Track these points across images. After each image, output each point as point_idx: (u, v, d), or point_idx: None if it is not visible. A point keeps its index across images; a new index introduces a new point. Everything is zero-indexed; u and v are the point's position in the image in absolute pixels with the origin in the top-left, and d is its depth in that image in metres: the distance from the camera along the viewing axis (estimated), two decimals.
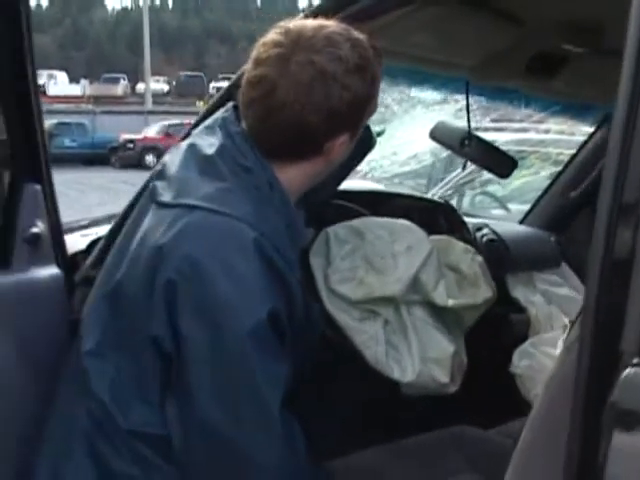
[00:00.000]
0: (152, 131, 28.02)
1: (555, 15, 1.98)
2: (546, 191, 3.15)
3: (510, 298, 2.53)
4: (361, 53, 1.43)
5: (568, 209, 3.09)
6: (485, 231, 2.66)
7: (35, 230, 1.79)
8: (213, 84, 44.82)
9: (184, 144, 1.54)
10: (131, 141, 26.45)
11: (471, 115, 2.52)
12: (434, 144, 2.62)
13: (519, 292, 2.62)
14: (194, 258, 1.36)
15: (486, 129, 2.85)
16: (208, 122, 1.56)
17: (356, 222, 1.96)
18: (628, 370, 0.97)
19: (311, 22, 1.46)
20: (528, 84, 2.35)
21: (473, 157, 2.46)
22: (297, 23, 1.45)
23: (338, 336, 1.89)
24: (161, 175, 1.51)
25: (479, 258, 2.19)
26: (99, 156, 25.96)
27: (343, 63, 1.40)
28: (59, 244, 1.88)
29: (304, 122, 1.41)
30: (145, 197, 1.54)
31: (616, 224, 1.04)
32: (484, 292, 2.13)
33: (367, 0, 1.66)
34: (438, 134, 2.51)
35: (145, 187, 1.61)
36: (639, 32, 1.15)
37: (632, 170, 1.06)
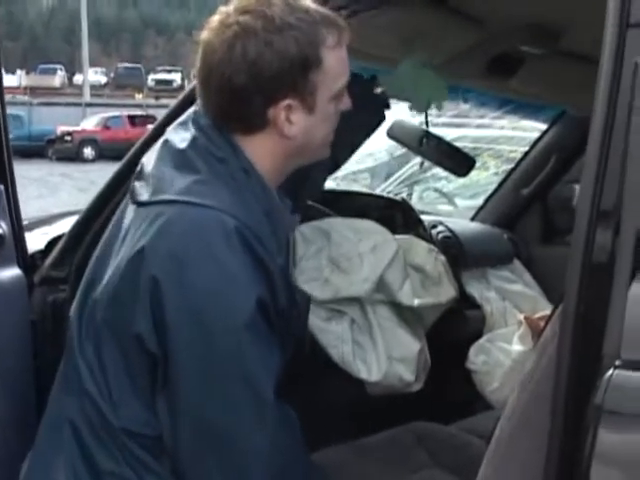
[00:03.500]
0: (90, 123, 27.70)
1: (514, 17, 2.02)
2: (498, 188, 3.19)
3: (465, 294, 2.57)
4: (297, 14, 1.41)
5: (519, 206, 3.14)
6: (440, 228, 2.69)
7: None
8: (152, 76, 44.48)
9: (159, 142, 1.54)
10: (69, 133, 26.06)
11: (427, 112, 2.54)
12: (390, 142, 2.63)
13: (474, 288, 2.66)
14: (176, 253, 1.34)
15: (444, 124, 2.87)
16: (182, 118, 1.56)
17: (322, 222, 1.96)
18: (611, 372, 0.99)
19: None
20: (487, 84, 2.37)
21: (431, 156, 2.46)
22: None
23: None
24: (139, 175, 1.51)
25: (442, 258, 2.21)
26: (36, 148, 25.46)
27: (268, 20, 1.39)
28: (20, 244, 1.86)
29: (231, 83, 1.40)
30: (126, 199, 1.53)
31: (595, 229, 1.07)
32: (447, 291, 2.16)
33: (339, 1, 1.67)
34: (395, 133, 2.51)
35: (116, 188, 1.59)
36: (614, 38, 1.17)
37: (609, 176, 1.09)
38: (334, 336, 1.93)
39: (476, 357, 2.43)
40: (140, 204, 1.45)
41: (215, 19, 1.43)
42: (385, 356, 1.95)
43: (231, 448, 1.38)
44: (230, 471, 1.40)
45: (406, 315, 2.08)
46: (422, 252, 2.17)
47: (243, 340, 1.34)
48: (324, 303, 1.90)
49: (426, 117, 2.46)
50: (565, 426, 1.03)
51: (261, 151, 1.47)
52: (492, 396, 2.38)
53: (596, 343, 1.02)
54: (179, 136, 1.49)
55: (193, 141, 1.46)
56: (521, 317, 2.48)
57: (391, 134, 2.52)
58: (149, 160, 1.51)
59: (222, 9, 1.44)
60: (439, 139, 2.44)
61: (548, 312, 2.54)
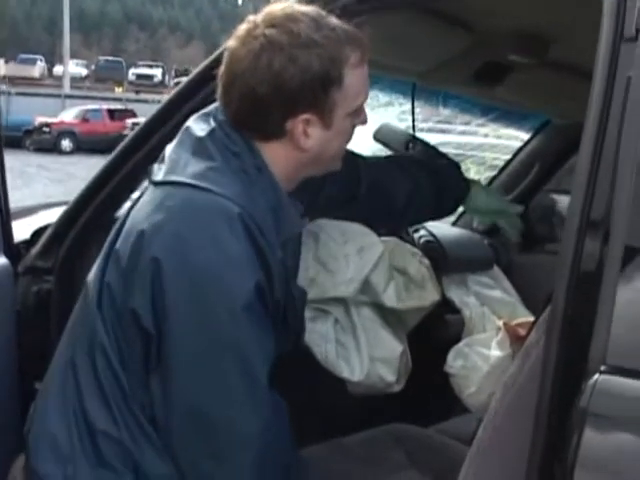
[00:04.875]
0: (69, 115, 27.46)
1: (504, 26, 2.04)
2: None
3: (445, 298, 2.59)
4: (322, 31, 1.45)
5: None
6: (422, 232, 2.70)
7: None
8: (133, 70, 44.31)
9: (182, 128, 1.58)
10: (47, 125, 25.82)
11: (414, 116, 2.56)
12: (377, 146, 2.64)
13: (453, 293, 2.67)
14: (179, 234, 1.39)
15: (429, 130, 2.88)
16: (205, 110, 1.60)
17: (311, 224, 1.98)
18: (597, 376, 1.01)
19: (293, 3, 1.51)
20: (474, 91, 2.40)
21: None
22: (279, 4, 1.50)
23: None
24: (162, 159, 1.55)
25: (426, 261, 2.23)
26: (13, 139, 25.16)
27: (294, 36, 1.42)
28: (7, 233, 1.86)
29: (254, 93, 1.44)
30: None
31: (584, 238, 1.09)
32: (431, 295, 2.17)
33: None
34: (382, 136, 2.53)
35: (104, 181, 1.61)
36: (608, 52, 1.20)
37: (600, 186, 1.11)
38: (318, 335, 1.95)
39: (454, 361, 2.44)
40: (154, 183, 1.50)
41: (242, 28, 1.47)
42: (367, 356, 1.96)
43: (223, 431, 1.40)
44: (221, 454, 1.42)
45: (389, 317, 2.09)
46: (406, 255, 2.19)
47: (240, 322, 1.37)
48: (310, 303, 1.92)
49: (413, 122, 2.48)
50: (549, 428, 1.05)
51: (275, 157, 1.51)
52: (469, 400, 2.39)
53: (582, 348, 1.04)
54: (199, 126, 1.53)
55: (212, 132, 1.50)
56: (500, 323, 2.50)
57: (377, 137, 2.53)
58: (170, 146, 1.56)
59: (250, 18, 1.48)
60: (426, 144, 2.45)
61: (527, 319, 2.60)
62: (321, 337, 1.94)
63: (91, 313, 1.48)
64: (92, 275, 1.52)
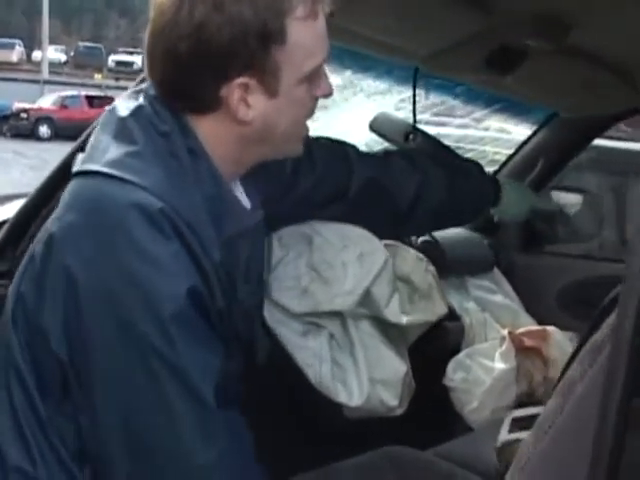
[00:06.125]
0: (47, 101, 27.27)
1: (524, 8, 1.83)
2: None
3: None
4: None
5: None
6: None
7: None
8: (112, 57, 43.95)
9: (107, 108, 1.34)
10: (25, 110, 25.61)
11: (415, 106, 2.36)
12: (372, 136, 2.43)
13: (453, 298, 2.47)
14: (93, 237, 1.16)
15: (427, 122, 2.68)
16: (138, 87, 1.36)
17: (304, 225, 1.73)
18: None
19: None
20: (482, 79, 2.19)
21: None
22: None
23: (278, 351, 1.67)
24: (85, 145, 1.32)
25: (431, 268, 2.00)
26: None
27: None
28: None
29: (175, 51, 1.21)
30: None
31: None
32: (439, 308, 1.94)
33: None
34: (379, 126, 2.31)
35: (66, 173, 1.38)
36: None
37: None
38: (311, 353, 1.70)
39: (454, 373, 2.25)
40: (72, 175, 1.26)
41: None
42: (367, 378, 1.72)
43: (170, 467, 1.17)
44: None
45: (390, 332, 1.86)
46: (410, 260, 1.95)
47: (170, 333, 1.13)
48: (301, 316, 1.68)
49: (414, 111, 2.27)
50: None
51: (212, 134, 1.27)
52: (471, 416, 2.20)
53: None
54: (125, 104, 1.29)
55: (137, 109, 1.26)
56: (505, 332, 2.31)
57: (374, 127, 2.32)
58: (95, 129, 1.32)
59: None
60: (427, 136, 2.24)
61: (533, 328, 2.41)
62: (314, 355, 1.68)
63: (7, 328, 1.25)
64: (13, 283, 1.29)
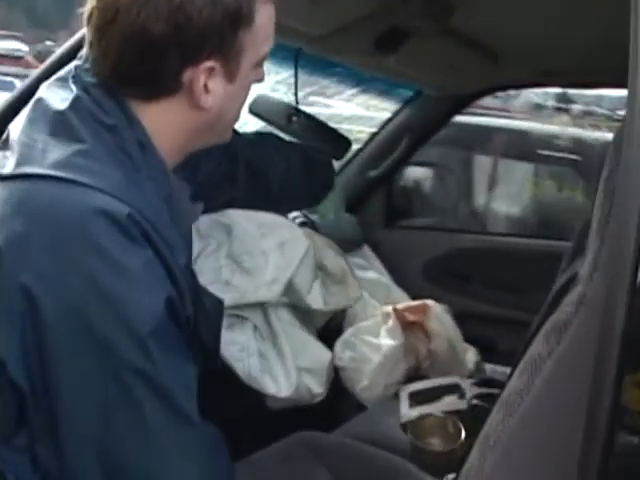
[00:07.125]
0: None
1: None
2: (342, 169, 3.02)
3: None
4: None
5: (365, 189, 3.00)
6: (295, 213, 2.49)
7: None
8: None
9: (30, 102, 1.19)
10: None
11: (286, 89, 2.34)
12: (252, 119, 2.37)
13: None
14: (53, 251, 1.02)
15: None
16: (60, 73, 1.22)
17: (221, 214, 1.67)
18: None
19: None
20: (366, 60, 2.19)
21: (301, 135, 2.20)
22: None
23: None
24: (4, 143, 1.16)
25: (341, 251, 1.99)
26: None
27: None
28: None
29: (144, 33, 1.10)
30: None
31: None
32: (354, 291, 1.93)
33: None
34: (259, 108, 2.25)
35: None
36: None
37: None
38: (239, 347, 1.65)
39: (342, 352, 2.25)
40: (1, 178, 1.09)
41: None
42: (294, 367, 1.70)
43: None
44: None
45: (305, 318, 1.84)
46: (321, 246, 1.92)
47: (150, 350, 1.03)
48: (225, 309, 1.62)
49: (296, 92, 2.24)
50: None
51: (162, 122, 1.18)
52: (363, 394, 2.21)
53: None
54: (57, 95, 1.16)
55: (75, 101, 1.14)
56: (389, 309, 2.34)
57: (254, 110, 2.26)
58: (17, 124, 1.16)
59: None
60: (311, 117, 2.22)
61: (414, 303, 2.45)
62: (242, 349, 1.64)
63: None
64: None
